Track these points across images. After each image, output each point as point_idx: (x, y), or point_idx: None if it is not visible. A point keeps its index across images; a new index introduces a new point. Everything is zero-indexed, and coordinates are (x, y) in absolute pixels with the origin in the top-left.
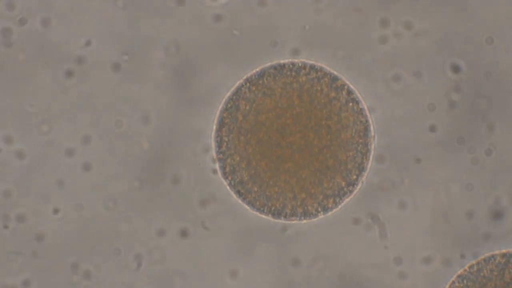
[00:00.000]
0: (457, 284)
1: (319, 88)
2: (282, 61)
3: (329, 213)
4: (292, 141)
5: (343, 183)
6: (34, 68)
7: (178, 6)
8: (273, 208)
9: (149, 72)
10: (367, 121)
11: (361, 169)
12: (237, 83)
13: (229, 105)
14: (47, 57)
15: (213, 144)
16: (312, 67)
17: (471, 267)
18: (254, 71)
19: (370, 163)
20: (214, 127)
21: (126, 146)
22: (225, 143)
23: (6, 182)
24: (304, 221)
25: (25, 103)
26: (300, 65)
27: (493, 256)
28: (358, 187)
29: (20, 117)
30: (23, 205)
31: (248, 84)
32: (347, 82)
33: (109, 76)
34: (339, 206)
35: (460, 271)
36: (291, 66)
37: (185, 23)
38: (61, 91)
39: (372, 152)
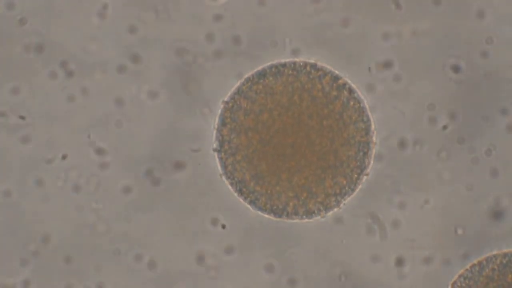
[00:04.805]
0: (459, 284)
1: (320, 87)
2: (283, 60)
3: (330, 212)
4: (293, 140)
5: (345, 182)
6: (34, 68)
7: (178, 6)
8: (274, 207)
9: (149, 72)
10: (368, 120)
11: (362, 168)
12: (238, 83)
13: (230, 105)
14: (47, 57)
15: (214, 144)
16: (313, 66)
17: (472, 267)
18: (255, 70)
19: (371, 162)
20: (216, 126)
21: (127, 146)
22: (226, 143)
23: (6, 182)
24: (305, 220)
25: (25, 103)
26: (301, 64)
27: (494, 256)
28: (359, 186)
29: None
30: (23, 205)
31: (249, 83)
32: (349, 81)
33: (109, 76)
34: (340, 205)
35: (461, 271)
36: (292, 65)
37: (185, 23)
38: (61, 91)
39: (373, 151)
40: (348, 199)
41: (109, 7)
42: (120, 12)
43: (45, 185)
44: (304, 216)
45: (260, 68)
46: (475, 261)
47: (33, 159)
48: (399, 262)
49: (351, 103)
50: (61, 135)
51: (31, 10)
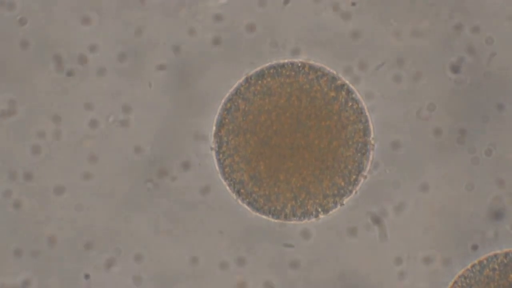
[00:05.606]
0: (459, 283)
1: (318, 88)
2: (281, 61)
3: (329, 213)
4: (291, 141)
5: (343, 183)
6: (34, 68)
7: (178, 6)
8: (272, 209)
9: (149, 72)
10: (366, 120)
11: (360, 168)
12: (237, 83)
13: (228, 105)
14: (47, 57)
15: (213, 144)
16: (311, 67)
17: (473, 266)
18: (253, 71)
19: (369, 163)
20: (214, 127)
21: (126, 146)
22: (225, 144)
23: (6, 182)
24: (304, 221)
25: (25, 102)
26: (299, 65)
27: (495, 255)
28: (358, 187)
29: (20, 117)
30: (23, 206)
31: (247, 84)
32: (347, 82)
33: (110, 76)
34: (339, 206)
35: (462, 271)
36: (290, 66)
37: (185, 23)
38: (61, 91)
39: (372, 152)
40: (348, 199)
41: (109, 7)
42: (121, 12)
43: (45, 185)
44: (302, 218)
45: (259, 68)
46: (475, 261)
47: (32, 159)
48: (399, 262)
49: (349, 103)
50: (60, 134)
51: (31, 10)
